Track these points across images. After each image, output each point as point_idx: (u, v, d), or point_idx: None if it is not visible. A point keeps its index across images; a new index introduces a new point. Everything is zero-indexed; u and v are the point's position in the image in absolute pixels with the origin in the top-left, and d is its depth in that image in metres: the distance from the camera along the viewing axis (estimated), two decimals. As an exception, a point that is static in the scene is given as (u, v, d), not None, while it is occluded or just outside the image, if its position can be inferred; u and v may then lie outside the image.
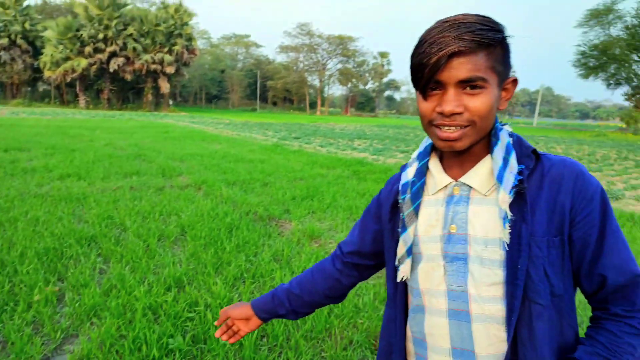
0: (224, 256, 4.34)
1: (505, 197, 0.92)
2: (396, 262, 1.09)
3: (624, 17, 45.70)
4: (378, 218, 1.19)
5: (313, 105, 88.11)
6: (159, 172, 8.89)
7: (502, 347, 0.95)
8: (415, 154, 1.11)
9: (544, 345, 0.92)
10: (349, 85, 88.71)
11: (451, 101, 0.89)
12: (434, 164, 1.06)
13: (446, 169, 1.04)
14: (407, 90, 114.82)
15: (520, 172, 0.94)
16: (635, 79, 47.08)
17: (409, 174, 1.09)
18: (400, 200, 1.08)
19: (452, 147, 0.94)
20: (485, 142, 0.99)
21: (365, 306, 3.48)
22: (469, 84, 0.88)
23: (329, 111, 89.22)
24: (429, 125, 0.95)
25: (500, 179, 0.93)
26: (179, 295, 3.46)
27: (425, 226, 1.03)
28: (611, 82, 49.66)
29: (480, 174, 0.98)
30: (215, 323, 1.40)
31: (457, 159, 1.02)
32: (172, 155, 11.56)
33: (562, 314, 0.94)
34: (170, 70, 51.98)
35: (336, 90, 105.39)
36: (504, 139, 0.98)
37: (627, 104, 53.52)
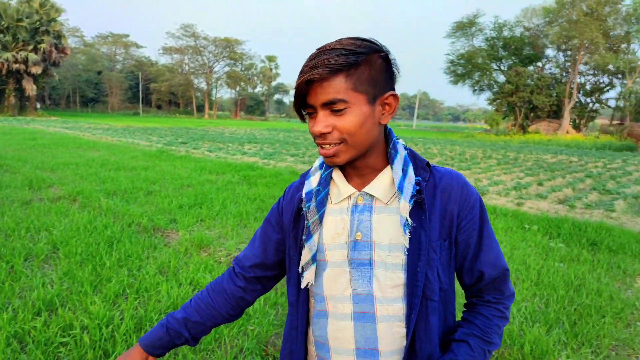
0: (104, 272, 4.05)
1: (405, 206, 1.00)
2: (299, 269, 1.11)
3: (484, 29, 51.24)
4: (280, 227, 1.21)
5: (201, 109, 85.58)
6: (25, 184, 7.99)
7: (402, 342, 1.05)
8: (317, 163, 1.15)
9: (436, 336, 1.05)
10: (238, 88, 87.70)
11: (320, 122, 0.97)
12: (337, 174, 1.10)
13: (348, 179, 1.09)
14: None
15: (417, 183, 1.03)
16: (495, 86, 52.90)
17: (312, 183, 1.12)
18: (304, 208, 1.10)
19: (333, 163, 1.01)
20: (382, 154, 1.07)
21: (256, 312, 3.48)
22: (331, 107, 0.96)
23: (217, 115, 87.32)
24: (316, 142, 1.02)
25: (400, 188, 1.01)
26: (50, 319, 3.16)
27: (331, 234, 1.08)
28: (476, 88, 55.15)
29: (382, 184, 1.05)
30: None
31: (356, 171, 1.08)
32: (40, 165, 10.46)
33: (447, 305, 1.09)
34: (36, 70, 46.75)
35: (225, 94, 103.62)
36: (402, 151, 1.07)
37: (490, 107, 59.99)
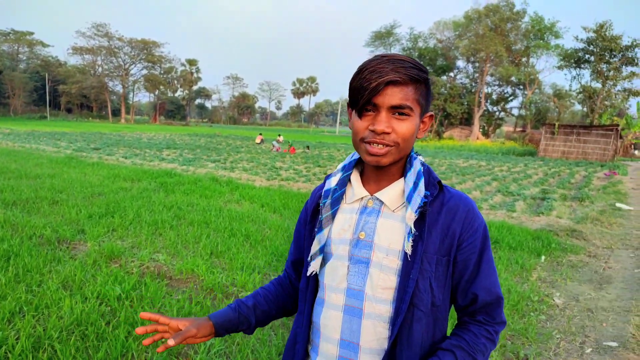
0: (-2, 290, 3.73)
1: (411, 215, 1.08)
2: (308, 258, 1.21)
3: (401, 40, 53.64)
4: (307, 223, 1.29)
5: (116, 113, 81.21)
6: None
7: (384, 343, 1.11)
8: (340, 166, 1.25)
9: (417, 345, 1.10)
10: (157, 92, 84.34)
11: (383, 122, 1.04)
12: (355, 177, 1.21)
13: (364, 183, 1.19)
14: (218, 98, 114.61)
15: (425, 197, 1.10)
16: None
17: (332, 182, 1.22)
18: (321, 204, 1.21)
19: (378, 162, 1.08)
20: (401, 166, 1.16)
21: (169, 323, 3.37)
22: (398, 110, 1.04)
23: (135, 119, 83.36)
24: (360, 141, 1.09)
25: (409, 199, 1.09)
26: None
27: (339, 229, 1.17)
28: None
29: (393, 192, 1.14)
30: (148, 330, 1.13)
31: (375, 176, 1.17)
32: None
33: (437, 321, 1.13)
34: None
35: (142, 98, 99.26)
36: (417, 166, 1.15)
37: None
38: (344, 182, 1.21)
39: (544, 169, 20.12)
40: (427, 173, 1.17)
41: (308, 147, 26.06)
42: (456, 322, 1.21)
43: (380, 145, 1.06)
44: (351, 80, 1.08)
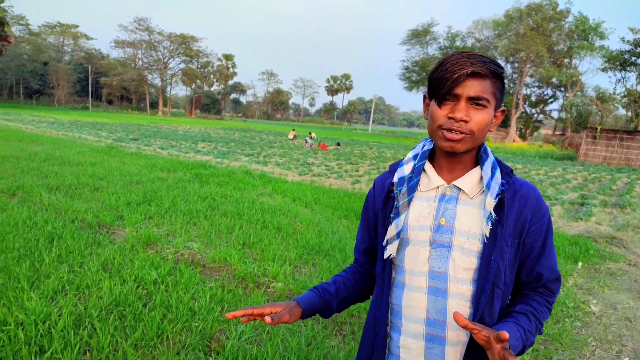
0: (42, 268, 3.91)
1: (491, 202, 1.17)
2: (384, 242, 1.27)
3: (438, 39, 52.78)
4: (375, 214, 1.37)
5: (154, 105, 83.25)
6: (-41, 177, 7.56)
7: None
8: (410, 155, 1.32)
9: (495, 320, 1.20)
10: (193, 86, 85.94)
11: (462, 110, 1.12)
12: (429, 167, 1.27)
13: (437, 172, 1.26)
14: (252, 94, 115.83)
15: (502, 185, 1.20)
16: (448, 94, 54.38)
17: (405, 170, 1.28)
18: (395, 191, 1.27)
19: (453, 148, 1.15)
20: (473, 155, 1.24)
21: (201, 309, 3.47)
22: (476, 101, 1.12)
23: (172, 112, 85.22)
24: (438, 128, 1.16)
25: (488, 186, 1.18)
26: (-17, 315, 3.03)
27: (417, 216, 1.23)
28: (430, 94, 56.59)
29: (471, 180, 1.22)
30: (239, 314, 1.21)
31: (448, 165, 1.24)
32: (-23, 158, 9.91)
33: (506, 298, 1.24)
34: (-24, 58, 44.15)
35: (179, 91, 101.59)
36: (491, 157, 1.24)
37: (442, 114, 61.56)
38: (419, 170, 1.26)
39: (584, 174, 19.46)
40: (498, 162, 1.25)
41: (339, 144, 26.04)
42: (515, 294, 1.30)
43: (457, 133, 1.14)
44: (431, 72, 1.18)
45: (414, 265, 1.23)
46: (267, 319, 1.16)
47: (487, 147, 1.27)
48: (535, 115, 52.06)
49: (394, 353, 1.28)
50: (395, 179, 1.29)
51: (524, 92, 48.28)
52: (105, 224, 5.59)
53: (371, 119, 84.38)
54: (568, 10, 44.05)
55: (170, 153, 15.06)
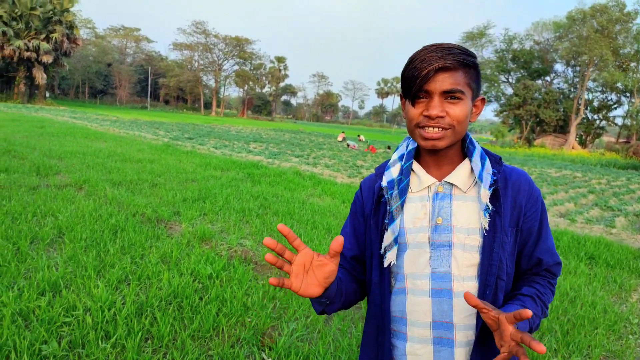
0: (107, 258, 4.14)
1: (486, 193, 1.14)
2: (382, 250, 1.22)
3: (494, 41, 51.30)
4: (364, 219, 1.31)
5: (208, 106, 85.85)
6: (33, 170, 8.11)
7: (474, 317, 1.16)
8: (396, 156, 1.27)
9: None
10: (246, 87, 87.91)
11: (436, 107, 1.09)
12: (417, 166, 1.23)
13: (426, 171, 1.22)
14: (303, 96, 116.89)
15: (493, 174, 1.17)
16: (502, 98, 52.91)
17: (393, 173, 1.23)
18: (386, 195, 1.22)
19: (434, 146, 1.12)
20: (458, 148, 1.21)
21: (254, 305, 3.56)
22: (450, 95, 1.09)
23: (224, 113, 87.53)
24: (415, 127, 1.14)
25: (480, 177, 1.15)
26: (55, 300, 3.25)
27: (412, 218, 1.19)
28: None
29: (462, 174, 1.18)
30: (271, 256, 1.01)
31: (435, 162, 1.21)
32: (48, 153, 10.59)
33: (509, 288, 1.21)
34: (47, 59, 46.99)
35: (232, 92, 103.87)
36: (478, 147, 1.21)
37: (496, 119, 59.95)
38: (408, 171, 1.22)
39: (650, 184, 18.30)
40: (486, 152, 1.22)
41: (389, 147, 25.85)
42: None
43: (436, 129, 1.10)
44: (403, 71, 1.14)
45: (414, 269, 1.18)
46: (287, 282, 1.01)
47: (473, 138, 1.23)
48: (597, 122, 49.45)
49: None
50: (384, 183, 1.23)
51: (586, 97, 45.97)
52: (164, 219, 5.83)
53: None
54: (637, 12, 41.62)
55: (224, 152, 15.48)
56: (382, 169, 1.29)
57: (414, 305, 1.18)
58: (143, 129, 23.35)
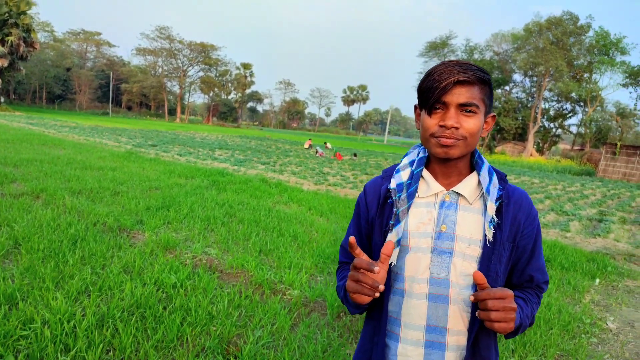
0: (66, 269, 4.02)
1: (492, 206, 1.20)
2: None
3: (456, 51, 52.70)
4: (367, 220, 1.35)
5: (172, 112, 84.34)
6: (-14, 179, 7.78)
7: (466, 323, 1.22)
8: (407, 161, 1.32)
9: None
10: (211, 94, 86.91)
11: (452, 118, 1.15)
12: (427, 173, 1.28)
13: (435, 179, 1.27)
14: (269, 102, 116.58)
15: (499, 189, 1.23)
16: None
17: (402, 177, 1.28)
18: (394, 197, 1.26)
19: (447, 153, 1.18)
20: (467, 161, 1.27)
21: (220, 313, 3.54)
22: (466, 107, 1.15)
23: (189, 119, 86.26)
24: (430, 137, 1.19)
25: (487, 191, 1.21)
26: (11, 312, 3.14)
27: (417, 223, 1.24)
28: (446, 107, 56.32)
29: (469, 186, 1.24)
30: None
31: (444, 172, 1.26)
32: (3, 160, 10.18)
33: None
34: (2, 63, 45.12)
35: (197, 98, 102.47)
36: (486, 163, 1.27)
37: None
38: (418, 177, 1.27)
39: (603, 190, 19.19)
40: (493, 169, 1.29)
41: (355, 154, 26.10)
42: None
43: (451, 140, 1.16)
44: (420, 83, 1.20)
45: (414, 272, 1.23)
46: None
47: (481, 154, 1.30)
48: (554, 130, 51.48)
49: None
50: (393, 185, 1.28)
51: (543, 106, 47.80)
52: (126, 228, 5.71)
53: (387, 130, 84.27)
54: (589, 25, 43.71)
55: (188, 160, 15.28)
56: (390, 172, 1.34)
57: (410, 308, 1.23)
58: (104, 136, 22.74)
